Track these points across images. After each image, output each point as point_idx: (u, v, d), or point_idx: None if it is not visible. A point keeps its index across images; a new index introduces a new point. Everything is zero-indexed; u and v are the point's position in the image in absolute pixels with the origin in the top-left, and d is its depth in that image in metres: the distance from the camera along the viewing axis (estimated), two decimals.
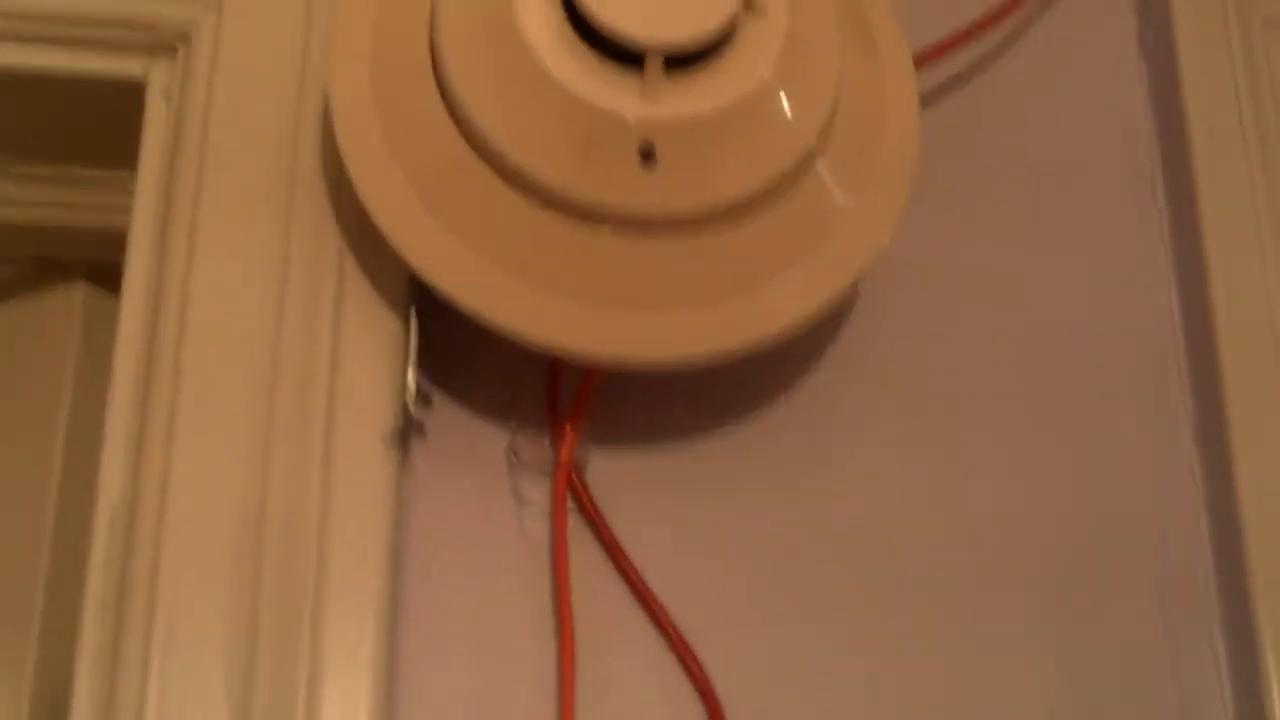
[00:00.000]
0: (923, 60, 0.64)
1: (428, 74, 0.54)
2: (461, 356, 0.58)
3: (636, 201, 0.53)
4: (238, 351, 0.56)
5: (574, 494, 0.58)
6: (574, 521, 0.58)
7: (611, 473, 0.59)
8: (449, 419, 0.59)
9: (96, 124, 0.65)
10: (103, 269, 0.75)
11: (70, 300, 0.75)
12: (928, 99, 0.66)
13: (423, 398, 0.57)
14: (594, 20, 0.51)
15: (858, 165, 0.57)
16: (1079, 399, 0.63)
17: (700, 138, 0.53)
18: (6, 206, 0.70)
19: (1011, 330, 0.64)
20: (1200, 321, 0.64)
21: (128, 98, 0.62)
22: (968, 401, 0.63)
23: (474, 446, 0.58)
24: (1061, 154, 0.68)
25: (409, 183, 0.54)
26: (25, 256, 0.75)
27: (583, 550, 0.58)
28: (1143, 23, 0.71)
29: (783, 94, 0.54)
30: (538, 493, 0.58)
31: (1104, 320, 0.65)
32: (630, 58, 0.52)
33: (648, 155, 0.52)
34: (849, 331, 0.63)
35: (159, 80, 0.61)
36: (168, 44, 0.61)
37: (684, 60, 0.52)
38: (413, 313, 0.57)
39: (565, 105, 0.52)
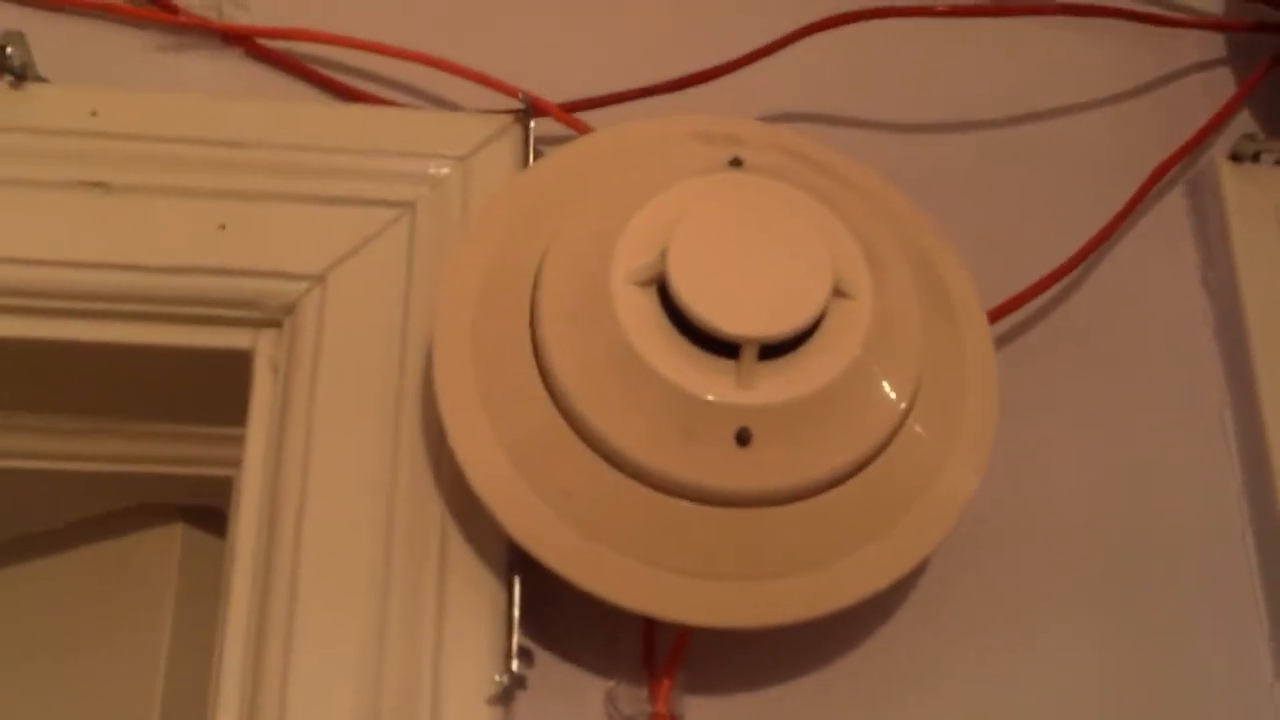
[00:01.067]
0: (996, 316, 0.67)
1: (528, 351, 0.57)
2: (561, 611, 0.60)
3: (734, 482, 0.55)
4: (346, 613, 0.58)
5: None
6: None
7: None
8: (549, 672, 0.60)
9: (204, 388, 0.67)
10: (200, 511, 0.78)
11: (170, 538, 0.78)
12: (1000, 348, 0.68)
13: (525, 656, 0.58)
14: (689, 313, 0.54)
15: (943, 420, 0.60)
16: (1151, 668, 0.65)
17: (795, 420, 0.55)
18: (117, 462, 0.73)
19: (1087, 577, 0.66)
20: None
21: (235, 366, 0.65)
22: (1034, 650, 0.64)
23: (574, 699, 0.60)
24: (1131, 394, 0.70)
25: (507, 453, 0.56)
26: (129, 500, 0.78)
27: None
28: (1204, 262, 0.74)
29: (873, 370, 0.56)
30: None
31: (1180, 565, 0.67)
32: (726, 347, 0.54)
33: (744, 439, 0.54)
34: (932, 572, 0.65)
35: (265, 351, 0.64)
36: (274, 319, 0.64)
37: (778, 346, 0.55)
38: (515, 578, 0.59)
39: (663, 392, 0.54)
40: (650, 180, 0.58)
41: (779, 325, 0.54)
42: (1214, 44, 0.81)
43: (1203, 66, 0.81)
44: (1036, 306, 0.71)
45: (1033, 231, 0.73)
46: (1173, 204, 0.76)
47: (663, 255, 0.55)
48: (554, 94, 0.69)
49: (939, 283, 0.62)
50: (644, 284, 0.55)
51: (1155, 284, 0.73)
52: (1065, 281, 0.71)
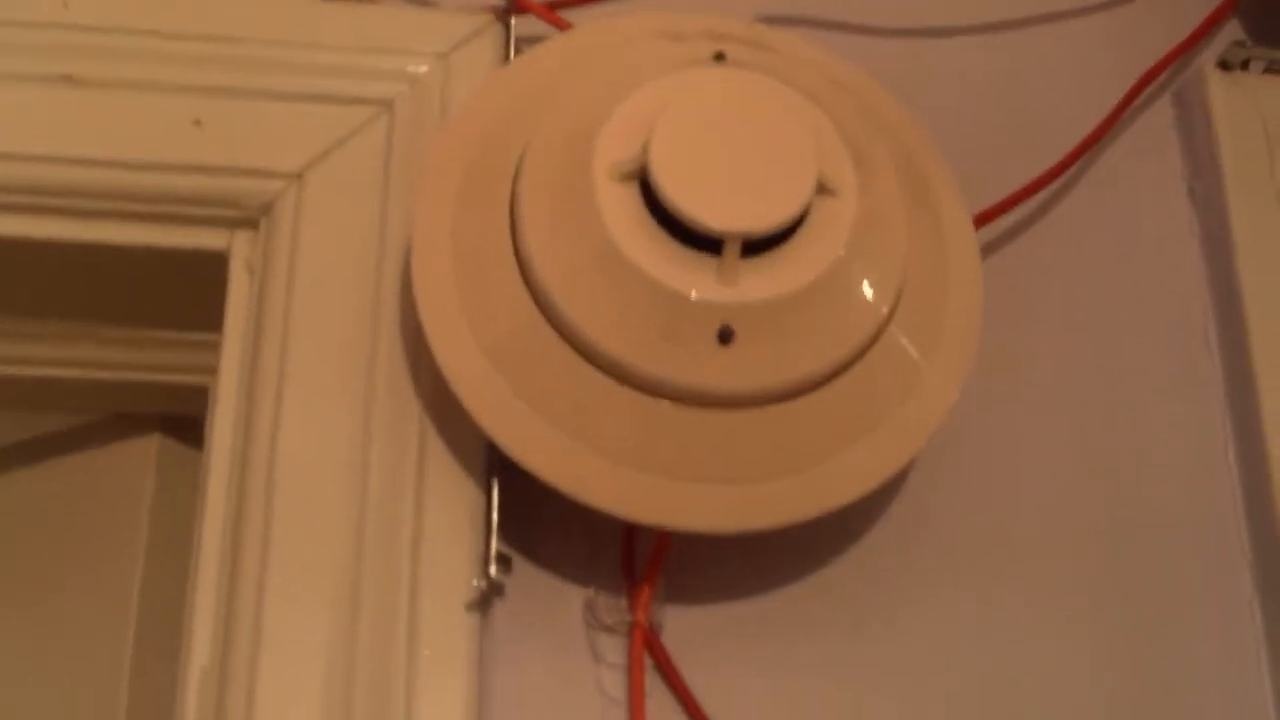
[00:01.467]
0: (981, 221, 0.66)
1: (508, 250, 0.56)
2: (540, 519, 0.60)
3: (715, 381, 0.54)
4: (323, 516, 0.58)
5: (651, 652, 0.59)
6: (651, 680, 0.59)
7: (688, 630, 0.60)
8: (528, 580, 0.60)
9: (178, 291, 0.66)
10: (177, 421, 0.77)
11: (146, 450, 0.77)
12: (984, 255, 0.68)
13: (503, 562, 0.58)
14: (673, 208, 0.53)
15: (926, 326, 0.59)
16: (1136, 562, 0.64)
17: (777, 318, 0.54)
18: (90, 368, 0.71)
19: (1069, 486, 0.66)
20: (1258, 473, 0.66)
21: (210, 267, 0.64)
22: (1031, 559, 0.64)
23: (552, 607, 0.60)
24: (1115, 304, 0.70)
25: (487, 355, 0.56)
26: (103, 410, 0.77)
27: (660, 708, 0.58)
28: (1191, 172, 0.73)
29: (856, 270, 0.56)
30: (615, 652, 0.59)
31: (1162, 478, 0.66)
32: (708, 243, 0.53)
33: (726, 337, 0.53)
34: (914, 484, 0.64)
35: (241, 252, 0.63)
36: (250, 218, 0.63)
37: (761, 243, 0.54)
38: (494, 481, 0.58)
39: (644, 289, 0.53)
40: (632, 74, 0.57)
41: (762, 220, 0.54)
42: None
43: None
44: (1023, 213, 0.70)
45: (1020, 137, 0.72)
46: (1160, 112, 0.75)
47: (644, 149, 0.54)
48: None
49: (925, 185, 0.61)
50: (625, 178, 0.55)
51: (1141, 193, 0.73)
52: (1051, 188, 0.70)
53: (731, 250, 0.53)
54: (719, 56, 0.59)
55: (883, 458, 0.58)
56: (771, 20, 0.71)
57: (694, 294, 0.53)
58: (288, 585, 0.56)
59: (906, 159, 0.61)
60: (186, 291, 0.66)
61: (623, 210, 0.54)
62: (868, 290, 0.56)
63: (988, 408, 0.65)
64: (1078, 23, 0.76)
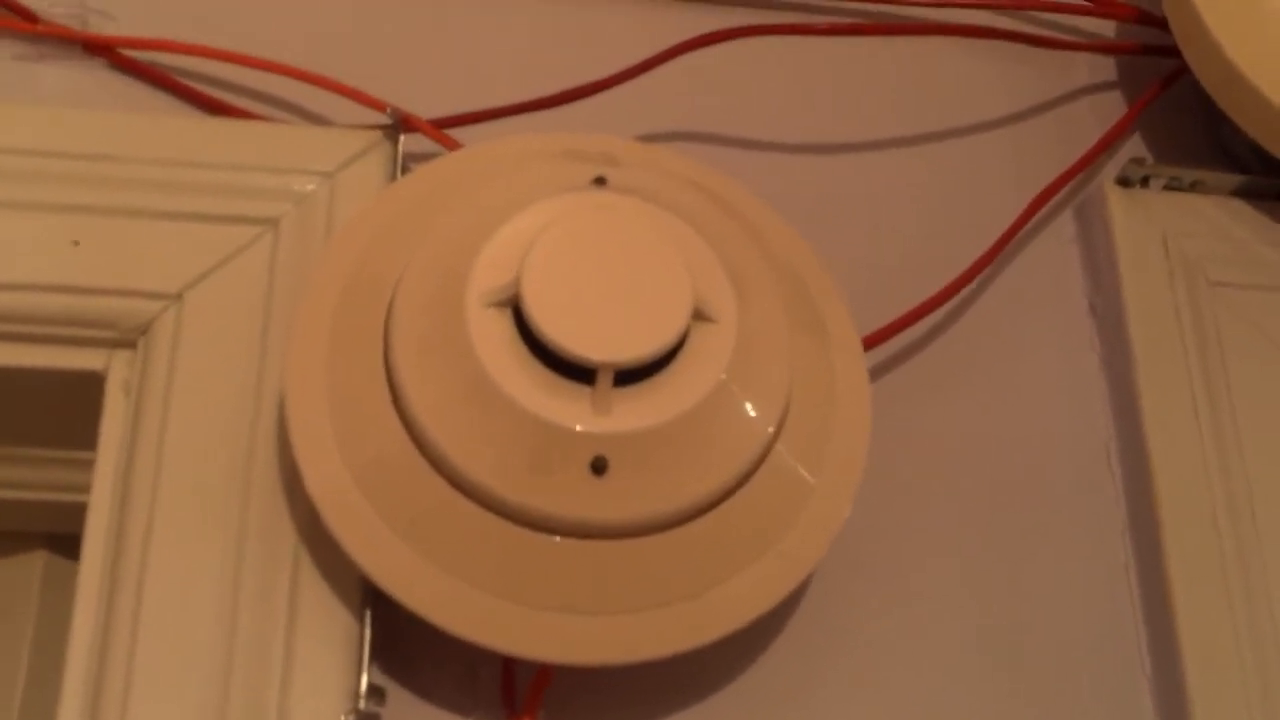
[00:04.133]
0: (876, 340, 0.66)
1: (380, 375, 0.55)
2: (418, 648, 0.58)
3: (589, 512, 0.53)
4: (190, 644, 0.56)
5: None
6: None
7: None
8: (404, 712, 0.58)
9: (60, 409, 0.65)
10: (63, 539, 0.75)
11: (30, 568, 0.75)
12: (876, 377, 0.67)
13: (376, 694, 0.56)
14: (544, 337, 0.52)
15: (814, 445, 0.58)
16: (1032, 679, 0.63)
17: (654, 447, 0.53)
18: None
19: (964, 606, 0.64)
20: (1157, 594, 0.65)
21: (91, 387, 0.62)
22: (913, 690, 0.62)
23: None
24: (1012, 423, 0.69)
25: (357, 483, 0.54)
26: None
27: None
28: (1092, 288, 0.73)
29: (737, 393, 0.55)
30: None
31: (1060, 600, 0.65)
32: (583, 372, 0.53)
33: (600, 468, 0.52)
34: (803, 608, 0.63)
35: (119, 372, 0.62)
36: (128, 339, 0.62)
37: (637, 372, 0.53)
38: (367, 612, 0.57)
39: (515, 418, 0.52)
40: (510, 199, 0.57)
41: (635, 349, 0.53)
42: (1105, 67, 0.80)
43: (1094, 89, 0.80)
44: (918, 334, 0.69)
45: (916, 256, 0.71)
46: (1060, 229, 0.75)
47: (517, 276, 0.53)
48: (425, 110, 0.67)
49: (811, 305, 0.61)
50: (499, 305, 0.54)
51: (1040, 311, 0.72)
52: (947, 308, 0.70)
53: (604, 380, 0.52)
54: (599, 180, 0.58)
55: (771, 583, 0.57)
56: (659, 138, 0.71)
57: (566, 424, 0.52)
58: (150, 713, 0.54)
59: (792, 280, 0.61)
60: (68, 410, 0.65)
61: (495, 338, 0.53)
62: (751, 411, 0.55)
63: (879, 527, 0.64)
64: (974, 139, 0.76)
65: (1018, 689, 0.63)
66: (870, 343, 0.65)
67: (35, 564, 0.75)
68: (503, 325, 0.53)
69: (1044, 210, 0.73)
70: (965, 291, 0.70)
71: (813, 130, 0.75)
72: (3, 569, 0.76)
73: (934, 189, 0.74)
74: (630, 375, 0.53)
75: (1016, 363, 0.70)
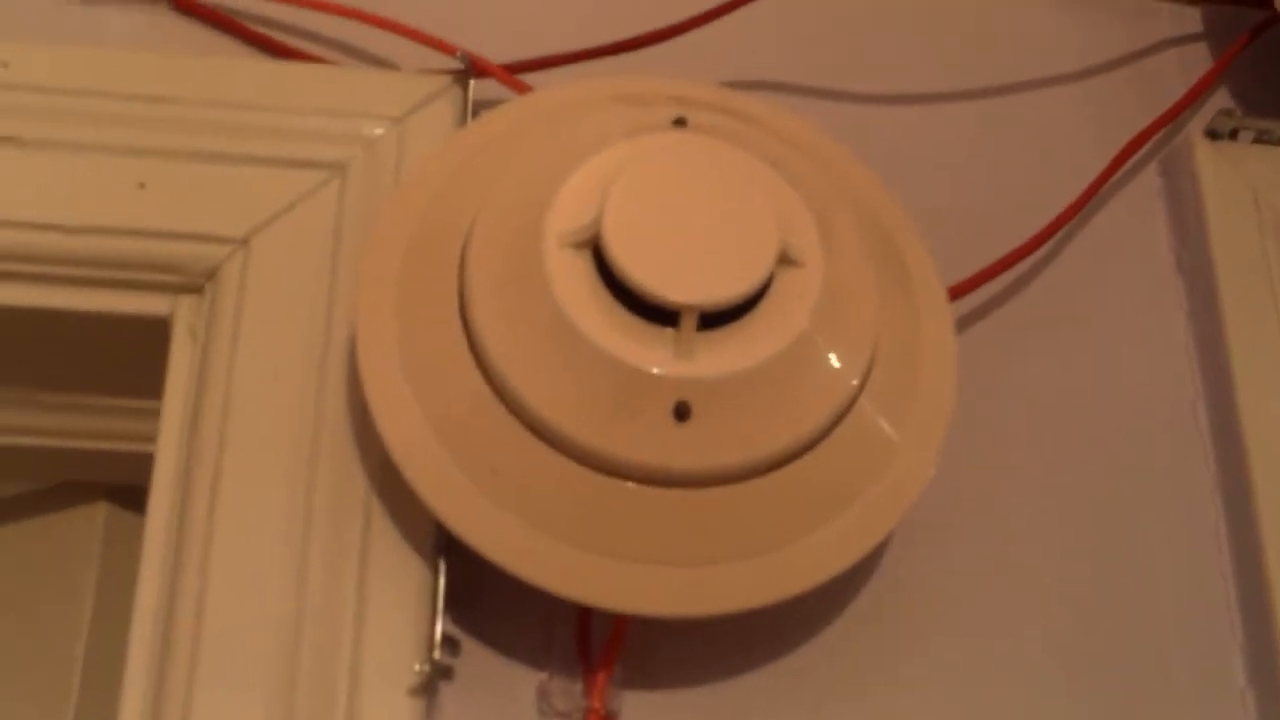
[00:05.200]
0: (958, 292, 0.64)
1: (456, 320, 0.54)
2: (493, 600, 0.57)
3: (671, 459, 0.51)
4: (261, 595, 0.55)
5: None
6: None
7: (647, 717, 0.57)
8: (479, 664, 0.57)
9: (123, 357, 0.64)
10: (125, 490, 0.74)
11: (93, 519, 0.74)
12: (959, 330, 0.65)
13: (451, 645, 0.55)
14: (626, 279, 0.50)
15: (899, 399, 0.56)
16: (1120, 648, 0.61)
17: (738, 394, 0.51)
18: (35, 435, 0.69)
19: (1049, 565, 0.62)
20: (1250, 555, 0.63)
21: (155, 333, 0.61)
22: (1008, 640, 0.61)
23: (504, 692, 0.56)
24: (1096, 383, 0.67)
25: (433, 429, 0.53)
26: (49, 479, 0.74)
27: None
28: (1178, 243, 0.71)
29: (822, 342, 0.53)
30: None
31: (1148, 559, 0.63)
32: (665, 315, 0.51)
33: (682, 414, 0.51)
34: (886, 562, 0.61)
35: (185, 318, 0.61)
36: (194, 284, 0.61)
37: (720, 315, 0.52)
38: (441, 560, 0.55)
39: (595, 362, 0.51)
40: (589, 139, 0.55)
41: (720, 292, 0.51)
42: (1190, 18, 0.78)
43: (1178, 41, 0.78)
44: (1000, 286, 0.67)
45: (998, 209, 0.69)
46: (1146, 183, 0.73)
47: (598, 216, 0.51)
48: (497, 54, 0.66)
49: (896, 254, 0.59)
50: (578, 246, 0.52)
51: (1126, 266, 0.70)
52: (1030, 260, 0.68)
53: (688, 322, 0.51)
54: (679, 122, 0.56)
55: (853, 539, 0.55)
56: (740, 85, 0.69)
57: (647, 368, 0.51)
58: (220, 664, 0.53)
59: (877, 228, 0.59)
60: (132, 358, 0.64)
61: (574, 280, 0.52)
62: (836, 362, 0.54)
63: (963, 484, 0.62)
64: (1061, 90, 0.74)
65: (1103, 650, 0.61)
66: (954, 294, 0.63)
67: (97, 516, 0.74)
68: (582, 267, 0.52)
69: (1128, 165, 0.71)
70: (1050, 244, 0.68)
71: (895, 79, 0.73)
72: (65, 521, 0.75)
73: (1015, 141, 0.72)
74: (713, 319, 0.52)
75: (1101, 318, 0.68)
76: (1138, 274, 0.70)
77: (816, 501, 0.54)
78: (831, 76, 0.72)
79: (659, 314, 0.51)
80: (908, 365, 0.57)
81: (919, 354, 0.58)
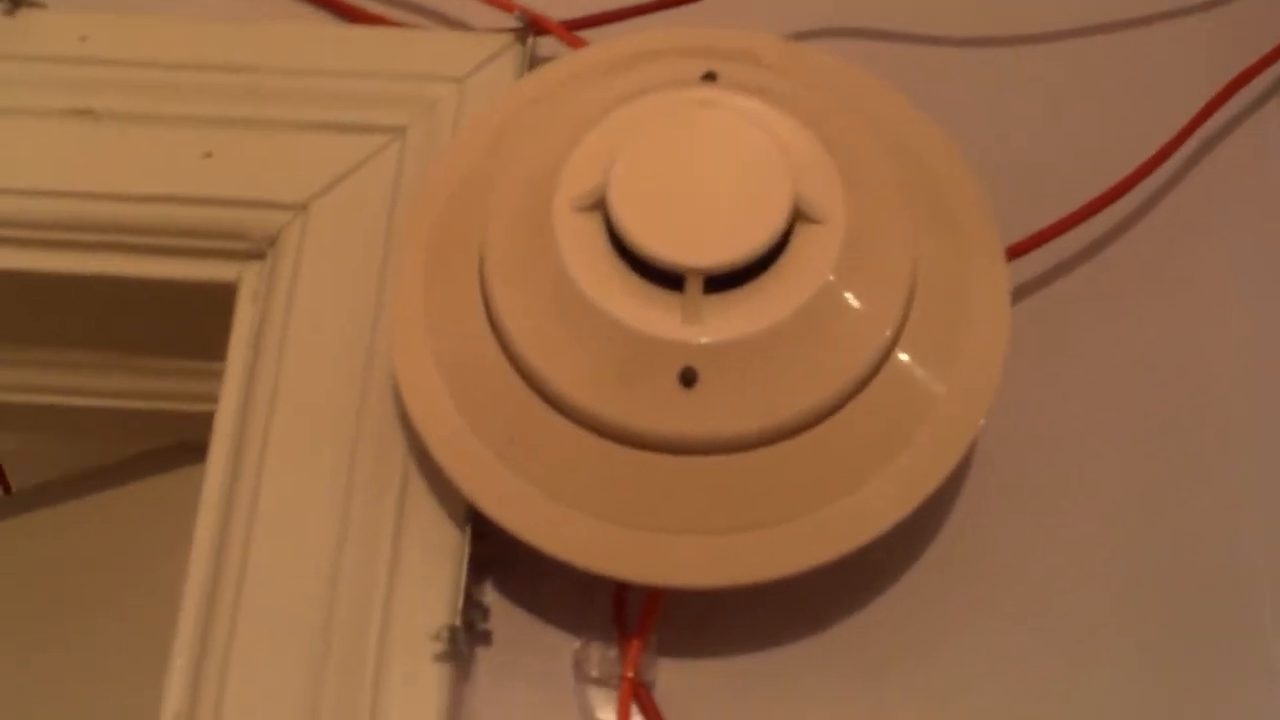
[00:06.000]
0: (1025, 247, 0.60)
1: (475, 285, 0.54)
2: (528, 567, 0.56)
3: (677, 427, 0.50)
4: (301, 553, 0.56)
5: (641, 709, 0.55)
6: None
7: (684, 686, 0.56)
8: (514, 630, 0.57)
9: (201, 322, 0.66)
10: None
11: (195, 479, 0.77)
12: (1036, 288, 0.62)
13: (480, 609, 0.56)
14: (627, 239, 0.49)
15: (942, 347, 0.53)
16: (1193, 606, 0.57)
17: (749, 359, 0.50)
18: (128, 398, 0.71)
19: (1120, 521, 0.59)
20: None
21: (226, 298, 0.63)
22: (1072, 604, 0.57)
23: (541, 659, 0.56)
24: (1189, 350, 0.62)
25: (453, 399, 0.53)
26: (149, 442, 0.77)
27: None
28: None
29: (849, 296, 0.51)
30: (605, 707, 0.56)
31: (1226, 525, 0.59)
32: (677, 280, 0.50)
33: (688, 380, 0.50)
34: (944, 522, 0.59)
35: (250, 283, 0.62)
36: (258, 250, 0.62)
37: (735, 277, 0.50)
38: (468, 528, 0.55)
39: (601, 328, 0.50)
40: (611, 98, 0.54)
41: (725, 253, 0.49)
42: None
43: None
44: (1083, 240, 0.63)
45: (1090, 154, 0.65)
46: (1263, 120, 0.67)
47: (606, 178, 0.50)
48: (560, 10, 0.65)
49: (943, 203, 0.56)
50: (588, 209, 0.51)
51: (1233, 215, 0.65)
52: (1121, 209, 0.63)
53: (694, 286, 0.49)
54: (709, 76, 0.55)
55: (894, 497, 0.52)
56: (804, 34, 0.67)
57: (651, 332, 0.49)
58: (259, 621, 0.55)
59: (926, 179, 0.56)
60: (208, 323, 0.65)
61: (584, 243, 0.51)
62: (866, 314, 0.51)
63: (1026, 455, 0.59)
64: (1157, 16, 0.69)
65: (1165, 632, 0.57)
66: (1023, 248, 0.59)
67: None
68: (592, 230, 0.51)
69: (1240, 97, 0.66)
70: (1146, 188, 0.63)
71: (974, 19, 0.69)
72: (169, 482, 0.77)
73: (1111, 77, 0.67)
74: (728, 281, 0.50)
75: (1198, 276, 0.63)
76: (1246, 224, 0.64)
77: (850, 462, 0.52)
78: (912, 20, 0.69)
79: (670, 279, 0.50)
80: (954, 317, 0.54)
81: (968, 305, 0.55)
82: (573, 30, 0.64)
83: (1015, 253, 0.59)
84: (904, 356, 0.52)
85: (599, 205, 0.51)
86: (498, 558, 0.56)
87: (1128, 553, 0.58)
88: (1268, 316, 0.63)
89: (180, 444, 0.78)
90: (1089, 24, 0.69)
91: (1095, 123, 0.66)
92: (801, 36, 0.68)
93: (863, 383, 0.52)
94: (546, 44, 0.65)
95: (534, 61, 0.64)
